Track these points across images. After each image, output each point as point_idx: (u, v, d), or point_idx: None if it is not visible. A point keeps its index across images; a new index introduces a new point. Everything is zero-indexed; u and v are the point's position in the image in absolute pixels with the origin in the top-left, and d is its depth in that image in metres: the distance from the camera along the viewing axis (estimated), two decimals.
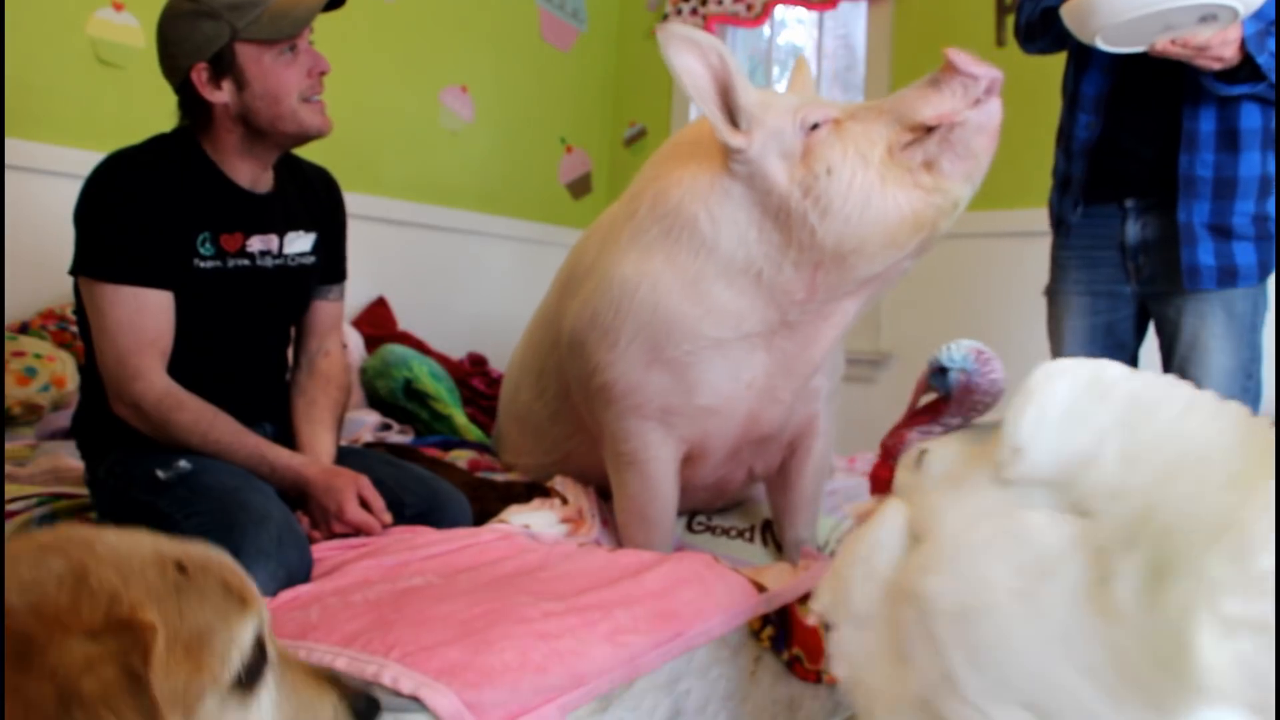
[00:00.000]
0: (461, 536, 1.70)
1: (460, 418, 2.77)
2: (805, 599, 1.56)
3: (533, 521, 1.85)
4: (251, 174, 1.73)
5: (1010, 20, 3.30)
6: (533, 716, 1.18)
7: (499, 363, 3.19)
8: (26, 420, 2.30)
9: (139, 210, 1.62)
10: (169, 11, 1.67)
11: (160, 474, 1.59)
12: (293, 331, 1.94)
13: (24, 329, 2.45)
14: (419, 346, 3.09)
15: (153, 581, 0.72)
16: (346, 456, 1.88)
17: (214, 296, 1.71)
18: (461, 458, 2.42)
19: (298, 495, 1.69)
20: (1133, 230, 2.09)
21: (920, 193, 1.64)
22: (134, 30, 2.71)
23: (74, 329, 2.46)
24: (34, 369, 2.28)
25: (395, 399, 2.77)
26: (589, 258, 1.89)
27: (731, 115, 1.68)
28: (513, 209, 3.85)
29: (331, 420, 1.86)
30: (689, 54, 1.63)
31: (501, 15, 3.80)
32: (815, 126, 1.67)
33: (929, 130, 1.63)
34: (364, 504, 1.68)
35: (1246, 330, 2.05)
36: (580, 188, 4.14)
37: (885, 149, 1.64)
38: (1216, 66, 1.86)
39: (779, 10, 3.81)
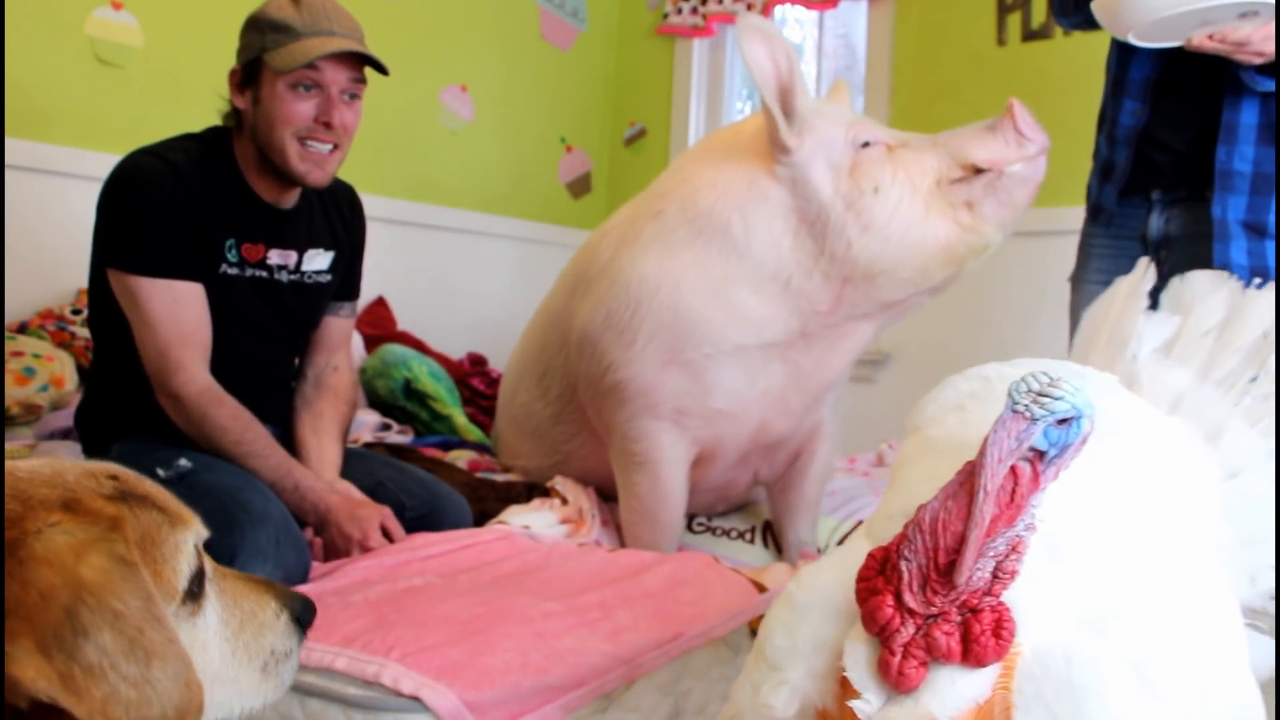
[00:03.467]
0: (461, 537, 1.70)
1: (460, 418, 2.76)
2: None
3: (533, 522, 1.85)
4: (272, 191, 1.74)
5: (1010, 20, 3.30)
6: (533, 717, 1.18)
7: (499, 363, 3.19)
8: (25, 420, 2.29)
9: (174, 206, 1.63)
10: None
11: (161, 472, 1.59)
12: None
13: (23, 329, 2.44)
14: (419, 346, 3.08)
15: (93, 485, 0.73)
16: (347, 457, 1.88)
17: (230, 303, 1.72)
18: (461, 458, 2.42)
19: (317, 521, 1.68)
20: (1156, 223, 2.03)
21: (958, 229, 1.69)
22: (132, 29, 2.70)
23: (73, 329, 2.45)
24: (32, 369, 2.28)
25: (395, 399, 2.77)
26: (603, 257, 1.89)
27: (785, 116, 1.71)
28: (513, 209, 3.84)
29: (339, 432, 1.87)
30: (761, 47, 1.67)
31: (501, 15, 3.79)
32: (866, 145, 1.70)
33: (977, 171, 1.68)
34: (385, 533, 1.69)
35: None
36: (580, 187, 4.14)
37: (935, 180, 1.68)
38: (1258, 61, 1.79)
39: (779, 9, 3.81)
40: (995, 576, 0.68)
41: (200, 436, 1.65)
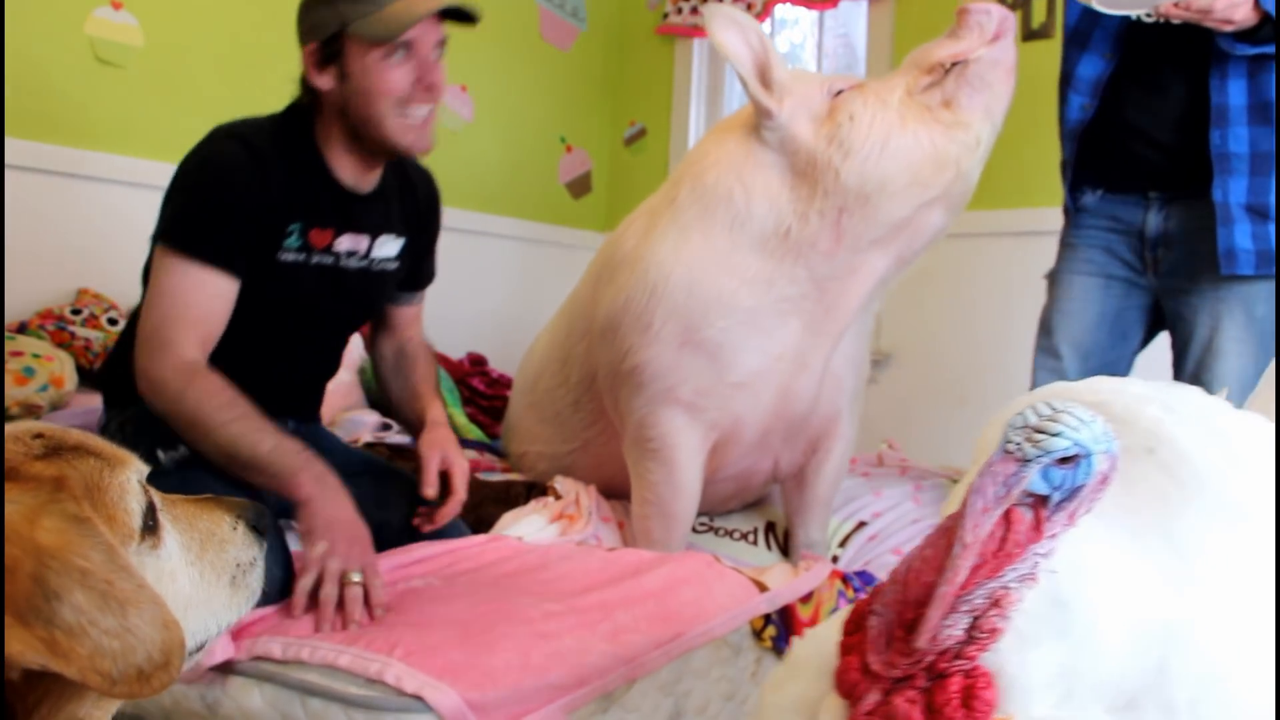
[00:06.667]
0: (456, 546, 1.69)
1: (460, 418, 2.76)
2: (807, 599, 1.56)
3: (524, 532, 1.83)
4: (355, 171, 1.66)
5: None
6: (535, 717, 1.18)
7: (499, 363, 3.18)
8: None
9: (238, 195, 1.54)
10: None
11: (161, 454, 1.51)
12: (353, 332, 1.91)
13: (22, 329, 2.44)
14: None
15: (23, 449, 0.72)
16: (347, 458, 1.86)
17: (289, 291, 1.64)
18: None
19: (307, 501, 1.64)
20: (1154, 221, 2.01)
21: (940, 128, 1.73)
22: (133, 29, 2.70)
23: (73, 329, 2.45)
24: (32, 369, 2.27)
25: None
26: (626, 246, 1.93)
27: (766, 90, 1.78)
28: (512, 209, 3.84)
29: (431, 392, 1.84)
30: (731, 31, 1.76)
31: (501, 15, 3.79)
32: (840, 92, 1.78)
33: (946, 72, 1.74)
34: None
35: (1268, 334, 1.90)
36: (580, 187, 4.14)
37: (904, 91, 1.75)
38: (1228, 29, 1.77)
39: (779, 9, 3.81)
40: (971, 637, 0.58)
41: (183, 413, 1.49)
